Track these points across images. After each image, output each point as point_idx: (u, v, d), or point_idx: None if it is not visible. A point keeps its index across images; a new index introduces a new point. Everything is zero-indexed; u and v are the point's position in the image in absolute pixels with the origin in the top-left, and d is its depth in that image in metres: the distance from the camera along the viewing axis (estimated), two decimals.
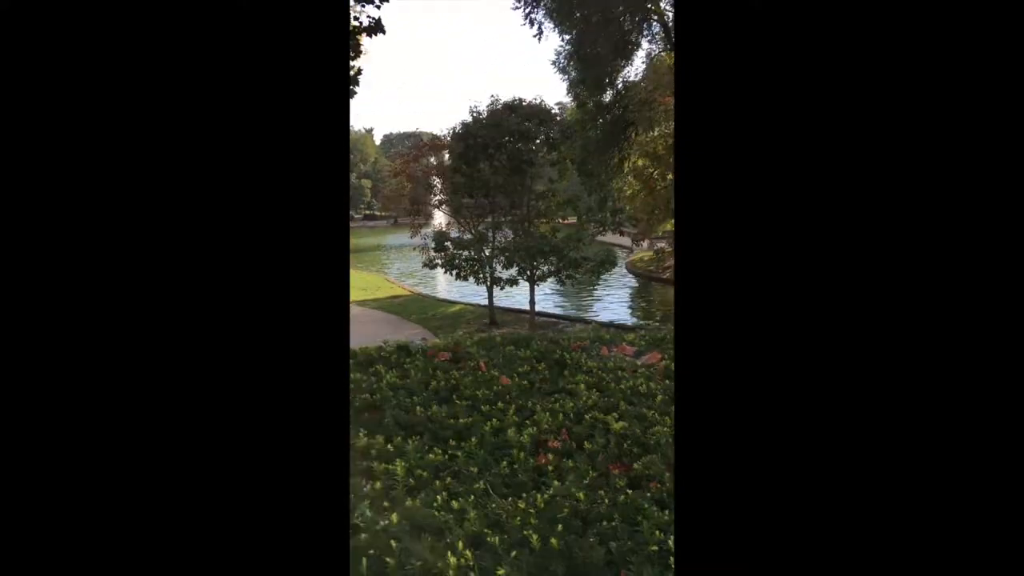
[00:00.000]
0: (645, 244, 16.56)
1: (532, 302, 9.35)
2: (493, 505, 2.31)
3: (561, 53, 13.90)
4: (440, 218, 11.42)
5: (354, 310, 11.31)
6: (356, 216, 54.86)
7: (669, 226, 12.70)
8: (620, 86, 13.62)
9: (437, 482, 2.55)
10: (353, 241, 31.91)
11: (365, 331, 9.38)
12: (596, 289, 13.27)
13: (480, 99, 10.44)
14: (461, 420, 3.18)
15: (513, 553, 1.99)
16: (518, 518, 2.21)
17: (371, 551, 2.01)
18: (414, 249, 10.55)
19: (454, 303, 12.65)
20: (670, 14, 12.55)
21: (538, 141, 8.63)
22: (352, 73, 5.17)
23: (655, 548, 2.01)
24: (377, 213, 59.27)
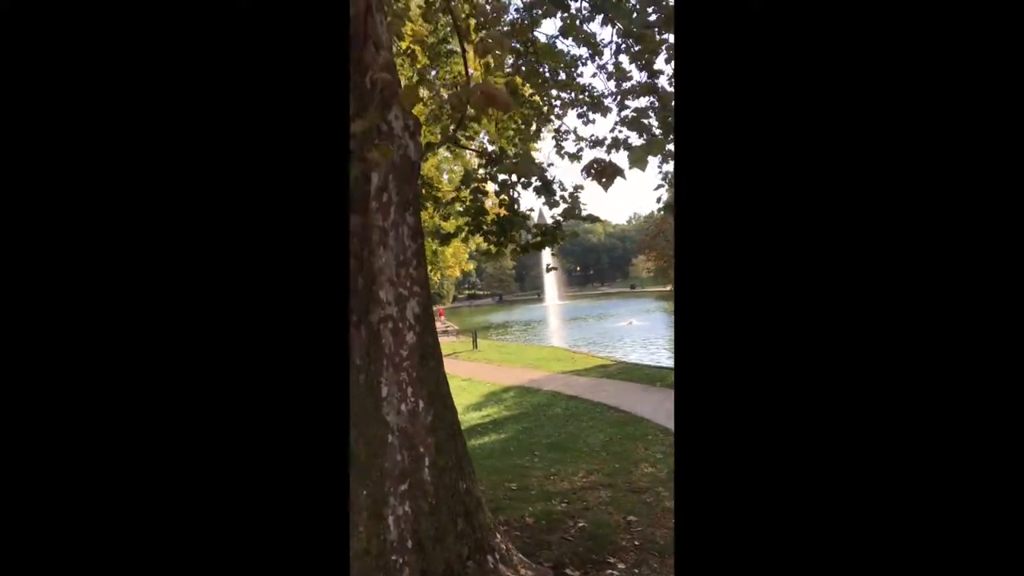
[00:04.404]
0: None
1: None
2: None
3: None
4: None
5: (607, 384, 10.09)
6: (460, 296, 57.32)
7: None
8: None
9: None
10: (464, 319, 33.24)
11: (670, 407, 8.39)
12: None
13: None
14: None
15: None
16: None
17: None
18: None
19: None
20: None
21: None
22: None
23: None
24: (479, 292, 61.65)
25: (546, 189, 3.87)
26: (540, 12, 4.36)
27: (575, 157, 5.76)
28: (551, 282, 55.41)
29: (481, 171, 4.35)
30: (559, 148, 5.79)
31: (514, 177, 3.90)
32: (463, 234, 4.32)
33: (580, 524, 3.00)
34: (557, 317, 34.15)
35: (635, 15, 3.81)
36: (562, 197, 3.90)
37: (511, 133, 5.80)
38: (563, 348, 17.75)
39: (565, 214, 3.75)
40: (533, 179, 3.81)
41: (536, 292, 58.64)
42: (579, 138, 5.80)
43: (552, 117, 5.64)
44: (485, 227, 4.02)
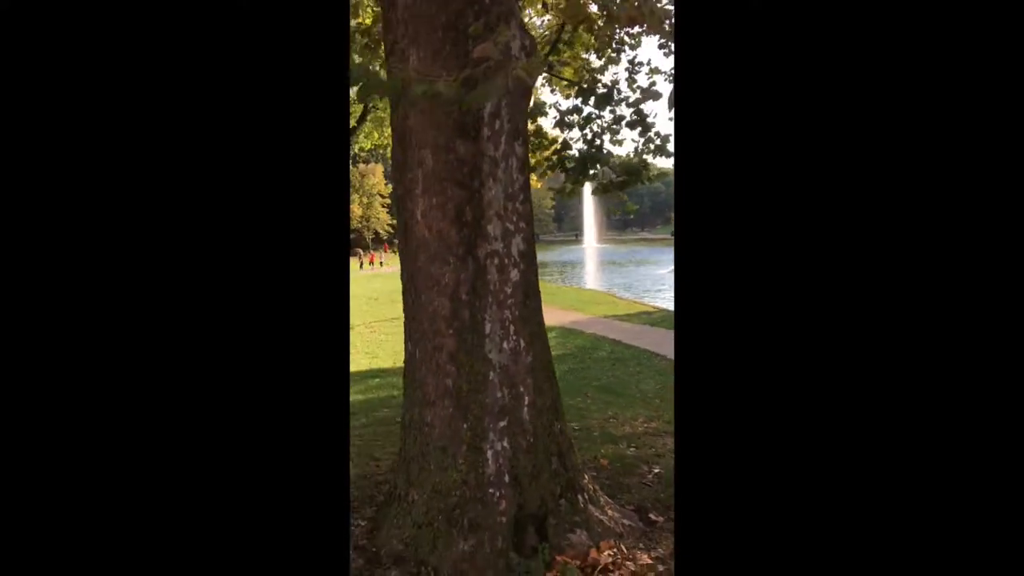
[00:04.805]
0: None
1: None
2: None
3: None
4: None
5: (650, 331, 9.46)
6: None
7: None
8: None
9: None
10: None
11: None
12: None
13: None
14: None
15: None
16: None
17: None
18: None
19: None
20: None
21: None
22: None
23: None
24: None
25: (641, 123, 3.64)
26: None
27: (648, 92, 5.43)
28: (590, 224, 54.73)
29: (571, 102, 4.12)
30: (631, 81, 5.45)
31: (598, 111, 3.69)
32: (543, 169, 4.16)
33: (656, 470, 3.00)
34: (594, 260, 33.92)
35: None
36: (656, 134, 3.69)
37: (589, 58, 5.46)
38: (602, 292, 17.67)
39: (657, 152, 3.55)
40: (629, 112, 3.60)
41: (574, 233, 58.19)
42: (653, 71, 5.44)
43: (626, 47, 5.30)
44: (567, 163, 3.85)
